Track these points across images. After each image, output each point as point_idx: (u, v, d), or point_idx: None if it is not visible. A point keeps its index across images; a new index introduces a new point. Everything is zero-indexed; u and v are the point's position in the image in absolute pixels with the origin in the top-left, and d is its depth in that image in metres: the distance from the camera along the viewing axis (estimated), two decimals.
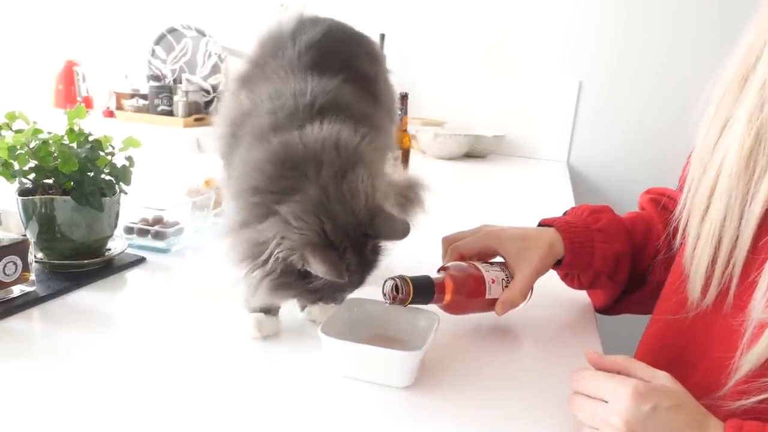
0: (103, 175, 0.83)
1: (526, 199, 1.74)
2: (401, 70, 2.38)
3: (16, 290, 0.76)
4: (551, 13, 2.28)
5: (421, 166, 1.99)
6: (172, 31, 2.56)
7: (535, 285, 0.77)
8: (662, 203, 0.85)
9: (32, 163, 0.80)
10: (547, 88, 2.35)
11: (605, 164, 2.33)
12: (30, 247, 0.75)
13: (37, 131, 0.77)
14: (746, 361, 0.54)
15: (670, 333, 0.69)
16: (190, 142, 2.16)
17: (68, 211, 0.80)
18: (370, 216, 0.63)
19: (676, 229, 0.67)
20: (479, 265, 0.75)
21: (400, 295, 0.66)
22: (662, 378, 0.52)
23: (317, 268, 0.59)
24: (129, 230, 0.98)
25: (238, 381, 0.62)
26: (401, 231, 0.63)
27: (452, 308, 0.72)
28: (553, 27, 2.29)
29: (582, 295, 0.91)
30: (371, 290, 0.69)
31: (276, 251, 0.60)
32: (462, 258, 0.79)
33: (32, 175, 0.81)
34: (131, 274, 0.89)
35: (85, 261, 0.85)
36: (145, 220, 1.00)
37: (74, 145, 0.80)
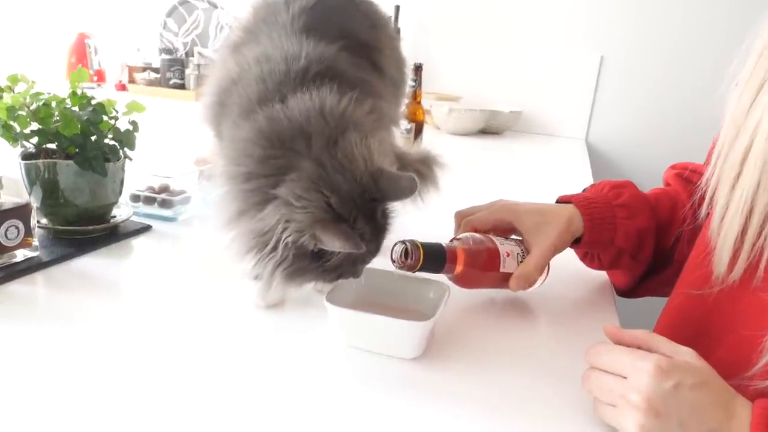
0: (106, 140, 0.81)
1: (543, 177, 1.70)
2: (417, 41, 2.33)
3: (20, 255, 0.74)
4: None
5: (434, 142, 1.95)
6: (183, 3, 2.53)
7: (552, 264, 0.75)
8: (689, 178, 0.81)
9: (35, 127, 0.78)
10: (567, 63, 2.28)
11: (626, 142, 2.27)
12: (32, 211, 0.74)
13: (37, 94, 0.74)
14: None
15: (692, 308, 0.66)
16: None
17: (71, 176, 0.79)
18: (373, 179, 0.60)
19: (702, 199, 0.63)
20: (494, 237, 0.72)
21: (409, 261, 0.63)
22: (686, 354, 0.49)
23: (332, 243, 0.56)
24: (135, 198, 0.96)
25: (241, 350, 0.60)
26: (408, 188, 0.60)
27: (464, 281, 0.69)
28: None
29: (600, 274, 0.88)
30: (379, 260, 0.67)
31: (284, 237, 0.57)
32: (476, 232, 0.75)
33: (35, 139, 0.79)
34: (137, 242, 0.88)
35: (90, 227, 0.83)
36: (151, 188, 0.98)
37: (76, 108, 0.78)
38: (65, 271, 0.75)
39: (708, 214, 0.64)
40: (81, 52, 2.66)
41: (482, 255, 0.69)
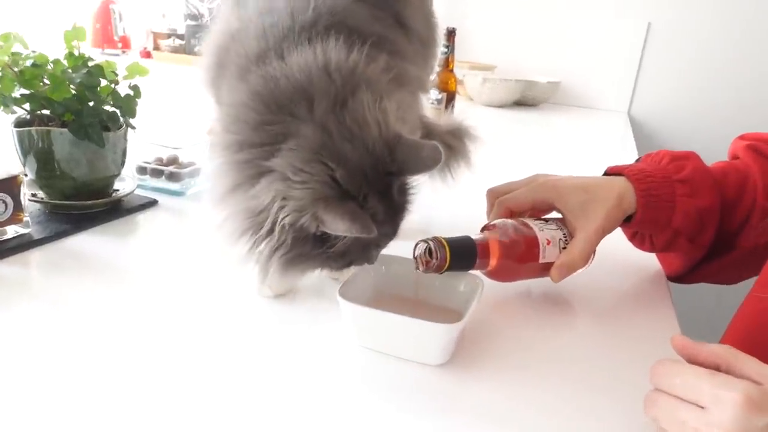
0: (105, 106, 0.74)
1: (581, 152, 1.58)
2: (450, 5, 2.20)
3: (10, 231, 0.68)
4: None
5: (467, 114, 1.84)
6: None
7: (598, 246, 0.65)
8: (763, 150, 0.69)
9: (25, 91, 0.71)
10: (610, 30, 2.13)
11: (673, 116, 2.12)
12: (22, 184, 0.67)
13: (19, 54, 0.67)
14: None
15: None
16: None
17: (66, 146, 0.72)
18: (388, 148, 0.51)
19: None
20: (531, 222, 0.63)
21: (434, 261, 0.54)
22: None
23: (336, 226, 0.48)
24: (142, 170, 0.90)
25: (241, 345, 0.53)
26: (431, 159, 0.51)
27: (498, 275, 0.60)
28: None
29: (650, 257, 0.78)
30: (401, 247, 0.59)
31: (280, 217, 0.49)
32: (511, 214, 0.66)
33: (28, 105, 0.72)
34: (141, 218, 0.81)
35: (89, 202, 0.76)
36: (159, 160, 0.91)
37: (69, 70, 0.70)
38: (60, 249, 0.69)
39: None
40: (106, 18, 2.60)
41: (519, 245, 0.60)
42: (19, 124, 0.73)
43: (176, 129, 1.07)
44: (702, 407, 0.38)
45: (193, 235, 0.79)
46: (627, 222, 0.66)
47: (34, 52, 0.69)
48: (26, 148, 0.73)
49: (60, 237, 0.71)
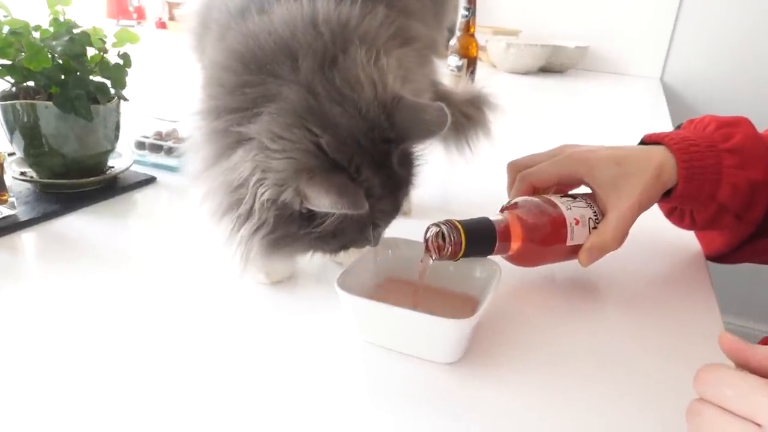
0: (93, 77, 0.68)
1: (611, 121, 1.49)
2: None
3: None
4: None
5: (489, 82, 1.75)
6: None
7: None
8: None
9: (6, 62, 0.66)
10: None
11: (710, 82, 2.00)
12: (3, 162, 0.63)
13: None
14: None
15: None
16: None
17: (53, 120, 0.67)
18: (385, 111, 0.44)
19: None
20: (557, 199, 0.56)
21: (448, 247, 0.48)
22: None
23: (320, 201, 0.41)
24: (140, 145, 0.85)
25: (240, 337, 0.48)
26: (436, 122, 0.44)
27: (521, 259, 0.54)
28: None
29: (684, 235, 0.71)
30: (408, 228, 0.53)
31: (259, 193, 0.43)
32: (534, 191, 0.60)
33: (10, 77, 0.67)
34: (138, 196, 0.76)
35: (81, 180, 0.72)
36: (158, 134, 0.86)
37: (50, 37, 0.65)
38: (48, 231, 0.65)
39: None
40: None
41: (544, 226, 0.53)
42: (5, 97, 0.68)
43: (183, 101, 1.02)
44: (759, 425, 0.31)
45: (194, 214, 0.74)
46: (665, 196, 0.59)
47: (5, 16, 0.64)
48: (11, 123, 0.68)
49: (49, 218, 0.66)
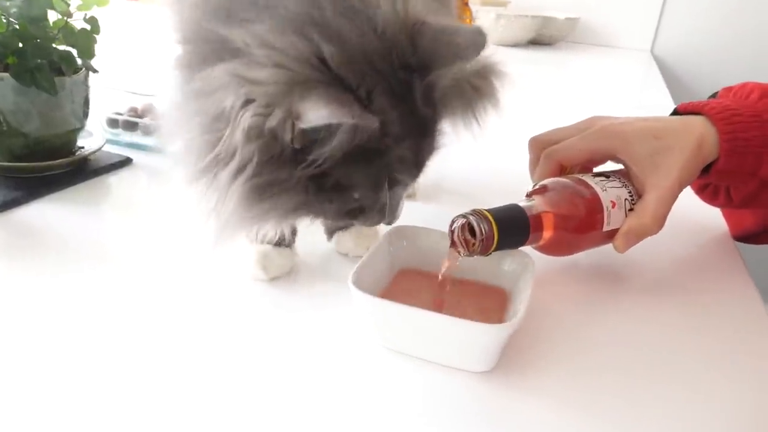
0: (55, 45, 0.60)
1: (605, 94, 1.44)
2: None
3: None
4: None
5: (491, 50, 1.68)
6: None
7: None
8: None
9: None
10: None
11: (699, 55, 1.96)
12: None
13: None
14: None
15: None
16: None
17: (10, 94, 0.58)
18: (406, 32, 0.36)
19: None
20: (590, 180, 0.50)
21: (478, 240, 0.41)
22: None
23: (318, 113, 0.33)
24: (113, 123, 0.76)
25: (234, 342, 0.41)
26: (471, 45, 0.37)
27: (553, 249, 0.48)
28: None
29: (710, 214, 0.66)
30: (414, 214, 0.46)
31: (241, 118, 0.34)
32: (562, 170, 0.54)
33: None
34: (113, 180, 0.68)
35: (45, 163, 0.63)
36: (134, 110, 0.77)
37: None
38: (9, 222, 0.57)
39: None
40: None
41: (579, 212, 0.47)
42: None
43: (150, 68, 0.94)
44: None
45: (176, 199, 0.67)
46: (702, 172, 0.54)
47: None
48: None
49: (10, 207, 0.58)
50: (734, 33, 1.91)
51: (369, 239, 0.52)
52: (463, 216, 0.42)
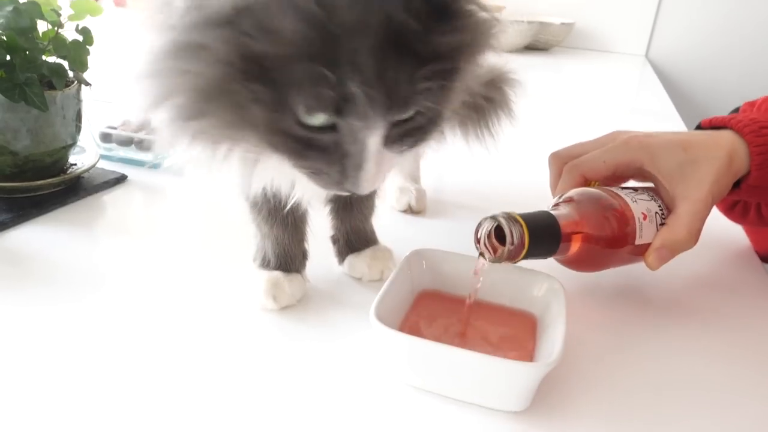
0: (45, 57, 0.57)
1: (602, 99, 1.42)
2: None
3: None
4: None
5: (502, 57, 1.66)
6: None
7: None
8: None
9: None
10: None
11: (693, 60, 1.95)
12: None
13: None
14: None
15: None
16: None
17: None
18: None
19: None
20: (618, 190, 0.47)
21: (508, 246, 0.38)
22: None
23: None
24: (107, 138, 0.73)
25: (240, 377, 0.38)
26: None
27: (581, 264, 0.46)
28: None
29: (733, 231, 0.63)
30: (422, 230, 0.43)
31: (187, 24, 0.30)
32: (586, 183, 0.51)
33: None
34: (107, 198, 0.65)
35: (37, 182, 0.60)
36: (127, 125, 0.74)
37: None
38: None
39: None
40: None
41: (609, 223, 0.44)
42: None
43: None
44: None
45: (175, 218, 0.63)
46: (735, 187, 0.52)
47: None
48: None
49: None
50: (728, 38, 1.90)
51: (383, 262, 0.49)
52: (493, 218, 0.39)
